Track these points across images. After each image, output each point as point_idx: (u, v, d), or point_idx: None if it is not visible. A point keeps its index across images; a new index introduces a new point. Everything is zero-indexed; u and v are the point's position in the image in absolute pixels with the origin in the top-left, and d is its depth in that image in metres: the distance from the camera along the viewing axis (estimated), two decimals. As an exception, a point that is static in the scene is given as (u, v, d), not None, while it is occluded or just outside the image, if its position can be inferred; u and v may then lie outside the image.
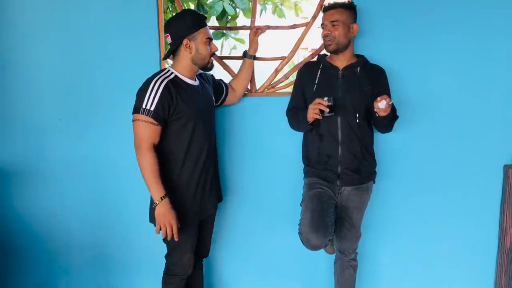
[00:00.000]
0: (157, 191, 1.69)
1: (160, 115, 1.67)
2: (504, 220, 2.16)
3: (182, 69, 1.78)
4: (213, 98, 1.95)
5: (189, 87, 1.77)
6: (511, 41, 2.06)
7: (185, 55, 1.76)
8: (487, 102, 2.12)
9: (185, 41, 1.73)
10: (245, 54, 2.11)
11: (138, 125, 1.68)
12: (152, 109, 1.65)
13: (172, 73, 1.76)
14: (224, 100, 2.07)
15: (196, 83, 1.83)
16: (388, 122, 1.87)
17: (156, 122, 1.67)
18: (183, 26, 1.73)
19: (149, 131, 1.67)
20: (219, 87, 2.03)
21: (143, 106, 1.65)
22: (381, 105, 1.71)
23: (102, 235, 2.31)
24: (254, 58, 2.11)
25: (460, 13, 2.05)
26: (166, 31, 1.77)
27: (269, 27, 2.12)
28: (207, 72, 1.92)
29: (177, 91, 1.71)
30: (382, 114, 1.74)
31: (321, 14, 1.94)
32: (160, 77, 1.72)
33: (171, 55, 1.81)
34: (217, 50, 1.83)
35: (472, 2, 2.04)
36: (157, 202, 1.69)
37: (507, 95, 2.11)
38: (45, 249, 2.32)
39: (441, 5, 2.04)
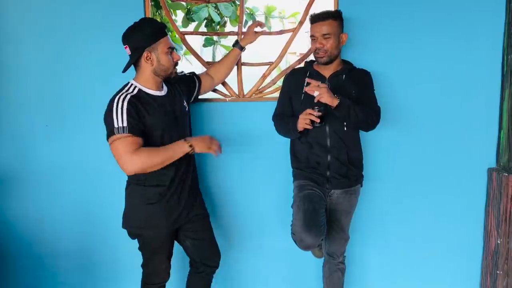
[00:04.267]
0: (179, 148, 1.63)
1: (137, 128, 1.59)
2: (488, 222, 2.19)
3: (145, 81, 1.69)
4: (185, 103, 1.85)
5: (155, 99, 1.69)
6: (494, 45, 2.10)
7: (146, 67, 1.66)
8: (471, 106, 2.15)
9: (145, 53, 1.64)
10: (235, 44, 2.07)
11: (116, 145, 1.55)
12: (125, 125, 1.56)
13: (135, 87, 1.68)
14: (198, 94, 2.01)
15: (163, 92, 1.74)
16: (355, 116, 1.77)
17: (133, 136, 1.58)
18: (142, 36, 1.63)
19: (127, 142, 1.56)
20: (191, 85, 1.96)
21: (116, 126, 1.56)
22: (315, 93, 1.70)
23: (89, 241, 2.30)
24: (243, 50, 2.08)
25: (444, 18, 2.08)
26: (124, 43, 1.66)
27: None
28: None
29: (143, 106, 1.63)
30: (326, 99, 1.69)
31: (308, 18, 1.90)
32: (123, 94, 1.63)
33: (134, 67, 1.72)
34: (179, 59, 1.74)
35: (456, 6, 2.07)
36: (191, 146, 1.64)
37: (491, 99, 2.14)
38: (32, 255, 2.30)
39: (425, 11, 2.08)
